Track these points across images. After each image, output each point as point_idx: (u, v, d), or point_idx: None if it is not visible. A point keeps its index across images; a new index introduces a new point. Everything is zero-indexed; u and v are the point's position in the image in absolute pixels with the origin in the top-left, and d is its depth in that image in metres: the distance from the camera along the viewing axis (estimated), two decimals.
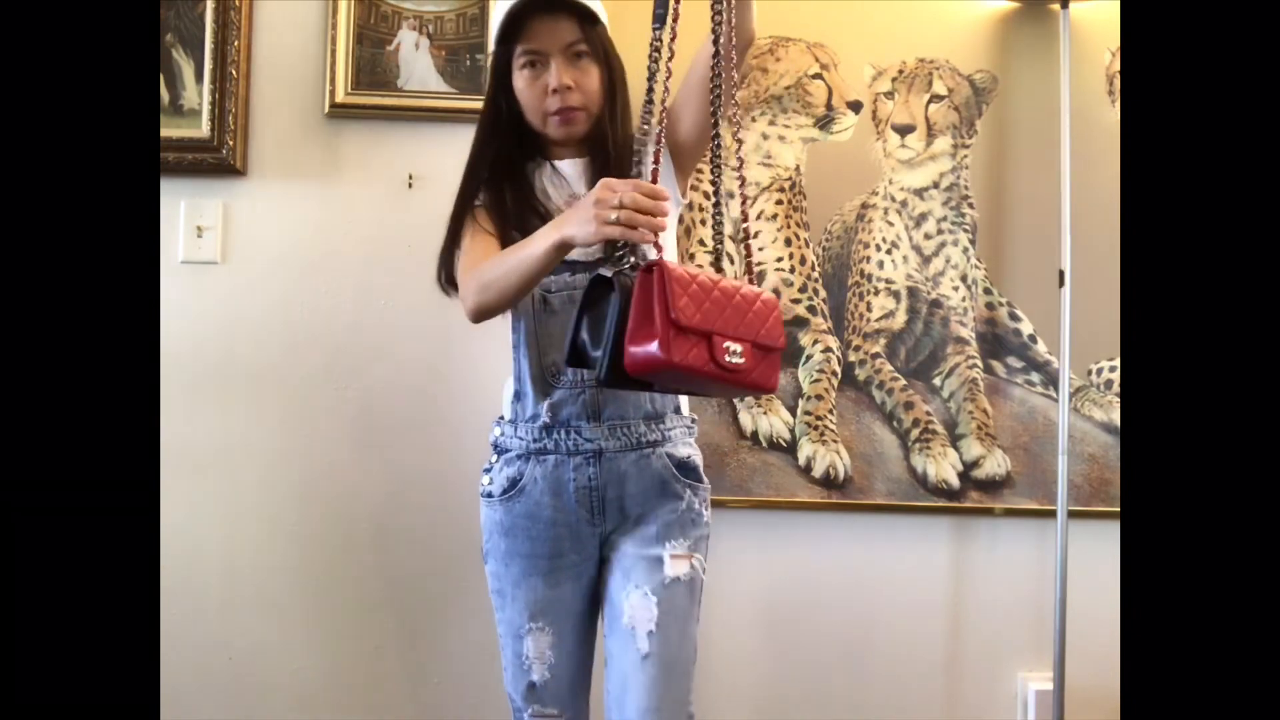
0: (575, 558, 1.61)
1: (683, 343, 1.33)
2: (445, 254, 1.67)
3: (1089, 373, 2.24)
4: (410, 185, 2.18)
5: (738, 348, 1.39)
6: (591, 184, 1.50)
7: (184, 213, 2.17)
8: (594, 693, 1.67)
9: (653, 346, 1.31)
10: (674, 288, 1.33)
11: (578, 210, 1.40)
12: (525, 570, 1.61)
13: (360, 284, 2.18)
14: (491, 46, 1.70)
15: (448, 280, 1.67)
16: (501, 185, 1.66)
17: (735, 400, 2.19)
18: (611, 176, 1.48)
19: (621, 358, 1.34)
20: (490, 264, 1.52)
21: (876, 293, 2.23)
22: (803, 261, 2.22)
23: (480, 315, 1.55)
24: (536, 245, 1.43)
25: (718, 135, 1.54)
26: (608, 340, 1.35)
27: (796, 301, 2.22)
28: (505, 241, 1.60)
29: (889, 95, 2.23)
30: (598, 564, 1.63)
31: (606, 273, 1.38)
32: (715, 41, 1.49)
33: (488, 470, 1.67)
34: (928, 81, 2.24)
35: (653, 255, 1.40)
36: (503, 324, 1.65)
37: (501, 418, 1.70)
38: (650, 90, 1.46)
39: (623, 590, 1.58)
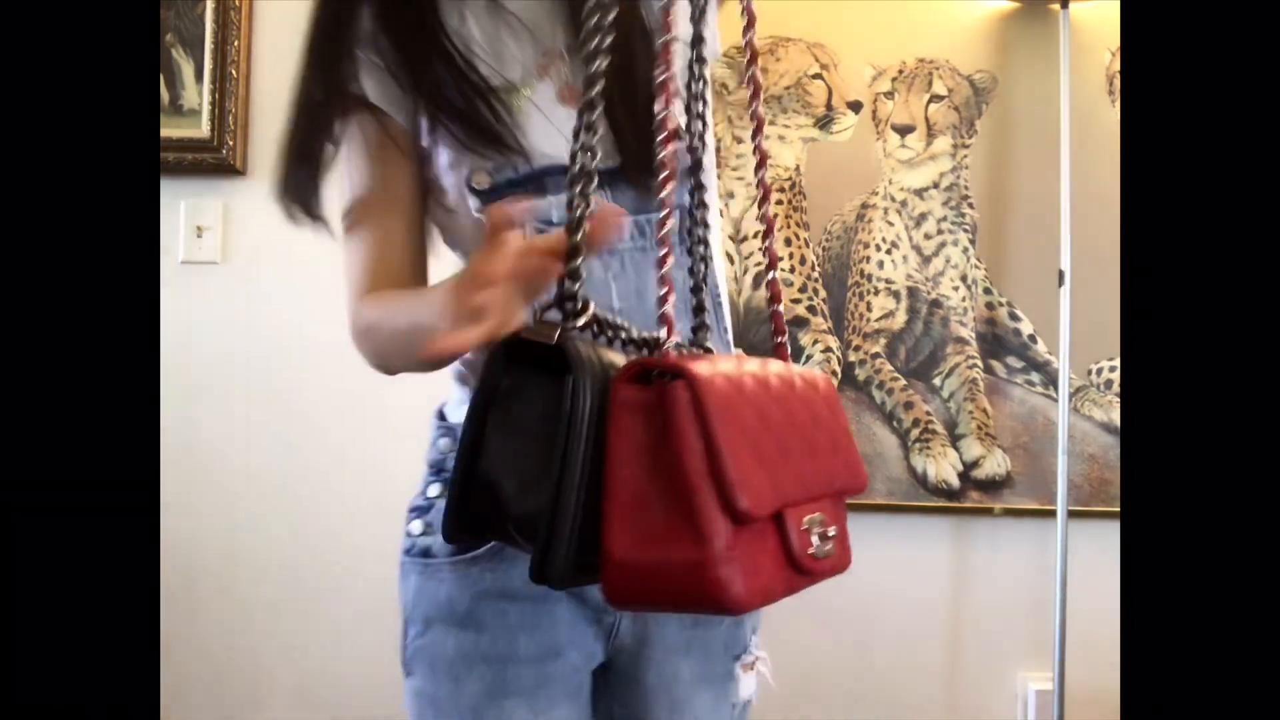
0: (576, 658, 0.95)
1: (751, 548, 0.70)
2: (290, 160, 0.97)
3: (1089, 373, 2.24)
4: None
5: (823, 523, 0.79)
6: (572, 27, 0.90)
7: (184, 213, 2.17)
8: None
9: (700, 575, 0.67)
10: (724, 428, 0.69)
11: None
12: (493, 687, 0.92)
13: None
14: None
15: (295, 203, 0.98)
16: (397, 33, 0.94)
17: None
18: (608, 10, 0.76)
19: (594, 558, 0.70)
20: (376, 311, 0.96)
21: (876, 293, 2.23)
22: (803, 261, 2.22)
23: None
24: (424, 317, 0.85)
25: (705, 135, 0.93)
26: (567, 511, 0.70)
27: (796, 301, 2.22)
28: (415, 153, 0.95)
29: (889, 95, 2.24)
30: (594, 674, 0.99)
31: (545, 339, 0.74)
32: None
33: (422, 510, 1.00)
34: (928, 81, 2.24)
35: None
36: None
37: (443, 418, 1.04)
38: None
39: None
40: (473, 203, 0.95)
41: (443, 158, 0.95)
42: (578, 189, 0.74)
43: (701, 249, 0.92)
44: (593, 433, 0.71)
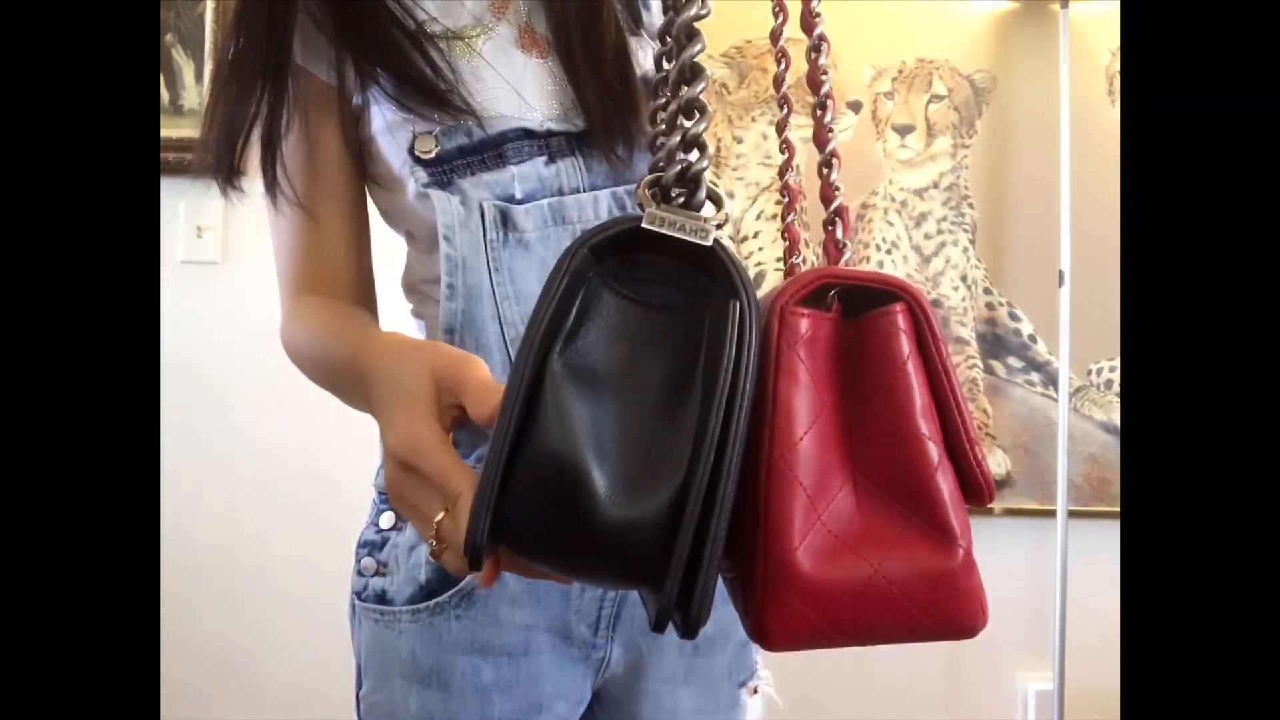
0: (562, 709, 0.84)
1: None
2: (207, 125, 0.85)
3: (1089, 373, 2.23)
4: None
5: None
6: None
7: (184, 213, 2.17)
8: None
9: (949, 590, 0.53)
10: (956, 375, 0.53)
11: (404, 427, 0.63)
12: None
13: None
14: None
15: (215, 174, 0.86)
16: None
17: None
18: None
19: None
20: (306, 347, 0.91)
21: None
22: (803, 262, 2.22)
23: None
24: (353, 397, 0.79)
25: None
26: (724, 517, 0.46)
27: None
28: (345, 116, 0.82)
29: (889, 95, 2.24)
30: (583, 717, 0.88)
31: (696, 235, 0.50)
32: None
33: (373, 545, 0.90)
34: (928, 81, 2.24)
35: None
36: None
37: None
38: None
39: None
40: (419, 175, 0.80)
41: (376, 121, 0.81)
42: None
43: None
44: (753, 387, 0.47)
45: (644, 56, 0.82)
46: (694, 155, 0.52)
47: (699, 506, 0.45)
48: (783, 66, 0.74)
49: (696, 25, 0.53)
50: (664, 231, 0.50)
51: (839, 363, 0.50)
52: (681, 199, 0.51)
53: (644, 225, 0.50)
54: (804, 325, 0.50)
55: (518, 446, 0.49)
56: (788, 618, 0.47)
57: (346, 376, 0.78)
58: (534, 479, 0.49)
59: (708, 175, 0.52)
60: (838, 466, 0.49)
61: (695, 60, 0.52)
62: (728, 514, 0.45)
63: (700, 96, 0.52)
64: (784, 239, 0.75)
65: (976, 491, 0.50)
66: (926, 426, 0.49)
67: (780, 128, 0.76)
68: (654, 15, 0.84)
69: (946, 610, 0.51)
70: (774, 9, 0.70)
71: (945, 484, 0.49)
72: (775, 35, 0.73)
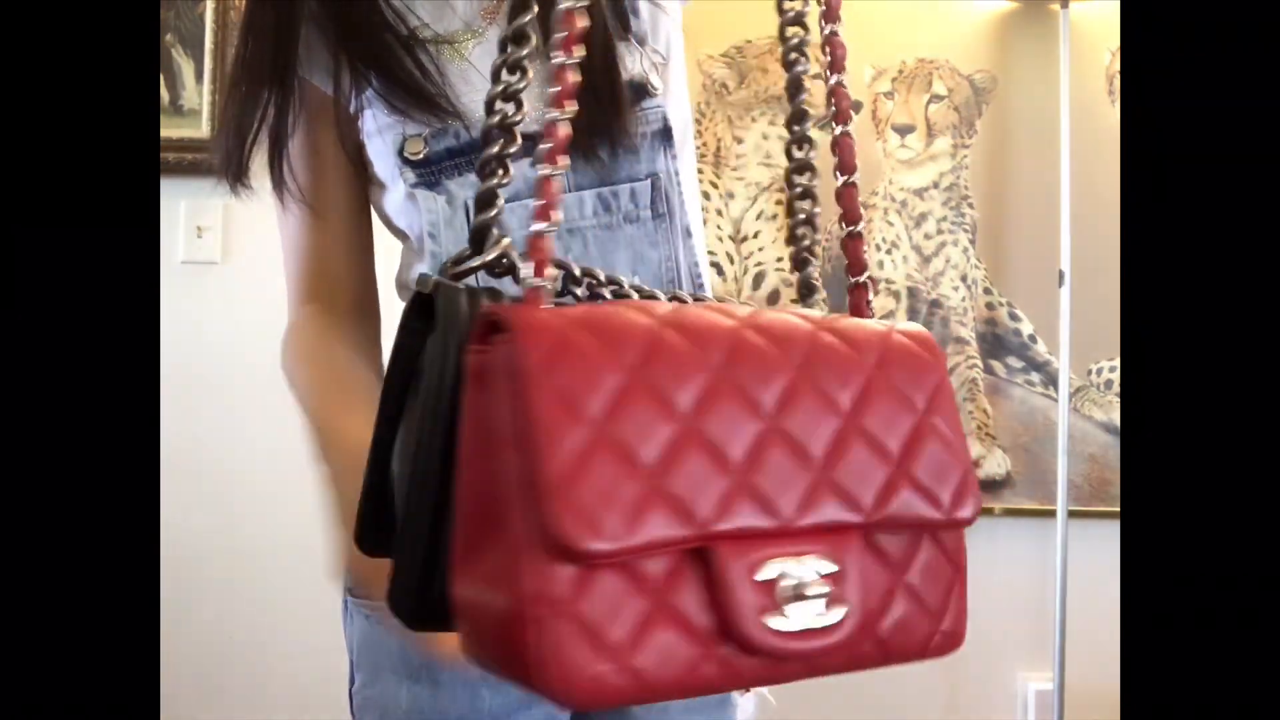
0: (553, 704, 0.80)
1: (632, 603, 0.46)
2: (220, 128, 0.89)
3: (1089, 373, 2.24)
4: None
5: (821, 570, 0.51)
6: None
7: (184, 213, 2.17)
8: None
9: (511, 634, 0.46)
10: (550, 404, 0.46)
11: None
12: None
13: None
14: None
15: (225, 175, 0.88)
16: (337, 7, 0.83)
17: None
18: None
19: (439, 592, 0.51)
20: (303, 385, 1.00)
21: (876, 293, 2.23)
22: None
23: None
24: (321, 477, 0.88)
25: None
26: (419, 522, 0.52)
27: (796, 302, 2.22)
28: (344, 120, 0.85)
29: (889, 95, 2.24)
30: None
31: (422, 285, 0.55)
32: None
33: None
34: (928, 81, 2.24)
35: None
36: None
37: None
38: None
39: None
40: (408, 176, 0.83)
41: (369, 124, 0.84)
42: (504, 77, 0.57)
43: (678, 219, 0.83)
44: (437, 436, 0.51)
45: (631, 61, 0.84)
46: (480, 211, 0.55)
47: (402, 512, 0.53)
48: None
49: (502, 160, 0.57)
50: (417, 289, 0.55)
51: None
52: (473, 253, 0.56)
53: (416, 287, 0.55)
54: (471, 360, 0.50)
55: (384, 475, 0.58)
56: (458, 630, 0.51)
57: (328, 466, 0.87)
58: (390, 499, 0.58)
59: (501, 224, 0.56)
60: (498, 498, 0.48)
61: (486, 158, 0.56)
62: (425, 519, 0.51)
63: (493, 160, 0.56)
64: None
65: (550, 544, 0.46)
66: (507, 464, 0.47)
67: (833, 147, 0.77)
68: (643, 21, 0.86)
69: (515, 658, 0.46)
70: (822, 34, 0.70)
71: (515, 524, 0.46)
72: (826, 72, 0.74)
